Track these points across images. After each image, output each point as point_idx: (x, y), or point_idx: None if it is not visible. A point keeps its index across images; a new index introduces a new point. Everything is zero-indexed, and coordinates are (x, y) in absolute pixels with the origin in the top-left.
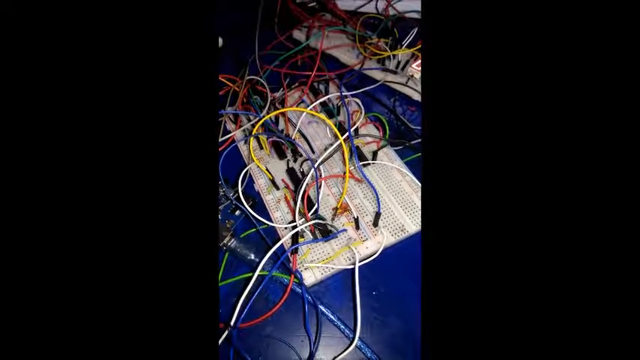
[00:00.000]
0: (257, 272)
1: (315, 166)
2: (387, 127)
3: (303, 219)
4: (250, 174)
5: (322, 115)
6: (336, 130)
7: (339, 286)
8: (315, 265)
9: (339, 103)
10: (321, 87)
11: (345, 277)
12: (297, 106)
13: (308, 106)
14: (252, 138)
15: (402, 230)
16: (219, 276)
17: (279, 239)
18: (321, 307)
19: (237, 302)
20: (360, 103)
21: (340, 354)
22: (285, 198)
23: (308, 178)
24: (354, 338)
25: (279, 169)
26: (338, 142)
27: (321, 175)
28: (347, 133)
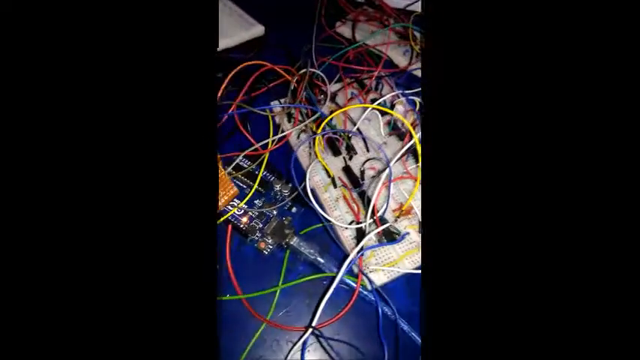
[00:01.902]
0: (340, 275)
1: (391, 165)
2: None
3: (372, 221)
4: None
5: (394, 112)
6: (411, 128)
7: (402, 289)
8: (380, 268)
9: (394, 102)
10: (370, 83)
11: (407, 280)
12: (349, 102)
13: (360, 103)
14: (318, 137)
15: None
16: (282, 276)
17: (338, 238)
18: (402, 324)
19: (320, 304)
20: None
21: None
22: (344, 197)
23: (383, 178)
24: None
25: (333, 166)
26: (412, 142)
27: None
28: (419, 134)
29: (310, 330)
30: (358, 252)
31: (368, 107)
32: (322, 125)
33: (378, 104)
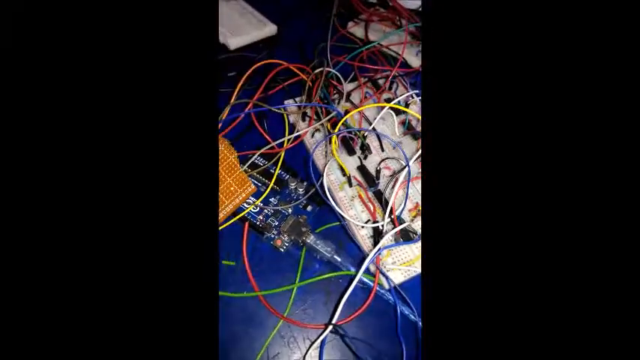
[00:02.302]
0: (360, 274)
1: (410, 163)
2: None
3: (389, 220)
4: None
5: (410, 111)
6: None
7: (419, 288)
8: (396, 267)
9: (408, 102)
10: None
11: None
12: (364, 101)
13: (374, 102)
14: (334, 136)
15: None
16: (298, 274)
17: (354, 237)
18: (421, 323)
19: (340, 301)
20: None
21: None
22: (359, 196)
23: (401, 177)
24: None
25: (348, 165)
26: None
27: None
28: None
29: (330, 327)
30: (376, 252)
31: (384, 106)
32: (339, 125)
33: (387, 102)
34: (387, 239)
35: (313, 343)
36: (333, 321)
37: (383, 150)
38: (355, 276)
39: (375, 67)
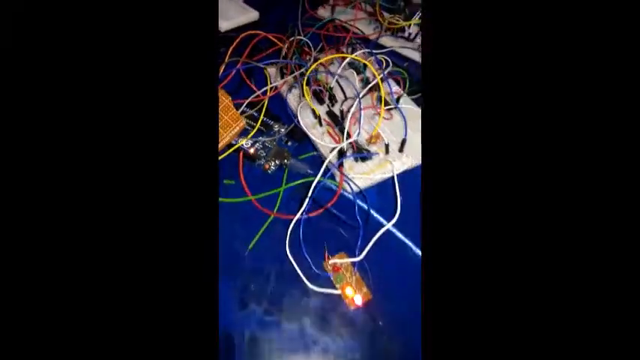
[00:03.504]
0: (318, 176)
1: (360, 96)
2: (407, 81)
3: (348, 142)
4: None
5: (365, 61)
6: (376, 73)
7: (374, 192)
8: (358, 176)
9: (368, 60)
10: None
11: (379, 188)
12: (329, 65)
13: (338, 67)
14: (304, 80)
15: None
16: (283, 181)
17: (323, 159)
18: (373, 212)
19: (305, 199)
20: (388, 59)
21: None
22: (328, 133)
23: (354, 107)
24: (392, 220)
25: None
26: (375, 81)
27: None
28: (381, 75)
29: (308, 199)
30: (337, 154)
31: (346, 57)
32: (310, 70)
33: (350, 64)
34: (345, 148)
35: (291, 222)
36: (300, 212)
37: (346, 99)
38: (324, 176)
39: (337, 35)
